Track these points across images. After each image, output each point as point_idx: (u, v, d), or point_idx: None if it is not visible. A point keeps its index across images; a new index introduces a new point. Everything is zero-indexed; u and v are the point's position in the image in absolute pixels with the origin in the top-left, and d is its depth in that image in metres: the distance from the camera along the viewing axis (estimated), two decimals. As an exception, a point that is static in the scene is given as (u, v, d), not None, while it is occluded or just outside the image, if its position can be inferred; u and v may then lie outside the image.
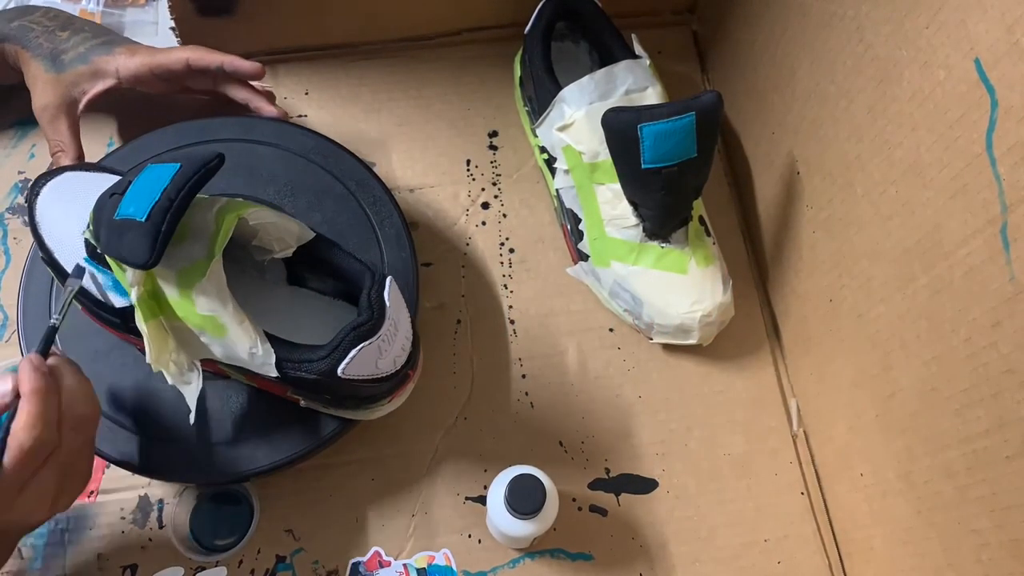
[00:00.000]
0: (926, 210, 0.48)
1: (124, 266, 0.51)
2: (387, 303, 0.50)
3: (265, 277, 0.58)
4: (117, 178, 0.57)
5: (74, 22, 0.68)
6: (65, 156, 0.64)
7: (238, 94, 0.68)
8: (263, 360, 0.51)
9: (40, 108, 0.65)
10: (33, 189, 0.56)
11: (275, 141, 0.67)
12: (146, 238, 0.47)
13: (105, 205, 0.51)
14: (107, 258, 0.51)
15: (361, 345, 0.49)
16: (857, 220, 0.55)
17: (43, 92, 0.65)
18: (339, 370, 0.50)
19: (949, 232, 0.46)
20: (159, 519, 0.62)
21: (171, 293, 0.50)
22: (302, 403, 0.58)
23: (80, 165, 0.60)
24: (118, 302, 0.54)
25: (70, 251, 0.55)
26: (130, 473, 0.62)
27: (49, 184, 0.57)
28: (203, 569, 0.60)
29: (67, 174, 0.58)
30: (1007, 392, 0.43)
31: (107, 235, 0.50)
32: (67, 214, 0.56)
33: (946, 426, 0.49)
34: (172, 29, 0.71)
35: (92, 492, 0.62)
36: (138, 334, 0.53)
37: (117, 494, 0.62)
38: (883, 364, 0.55)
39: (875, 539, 0.59)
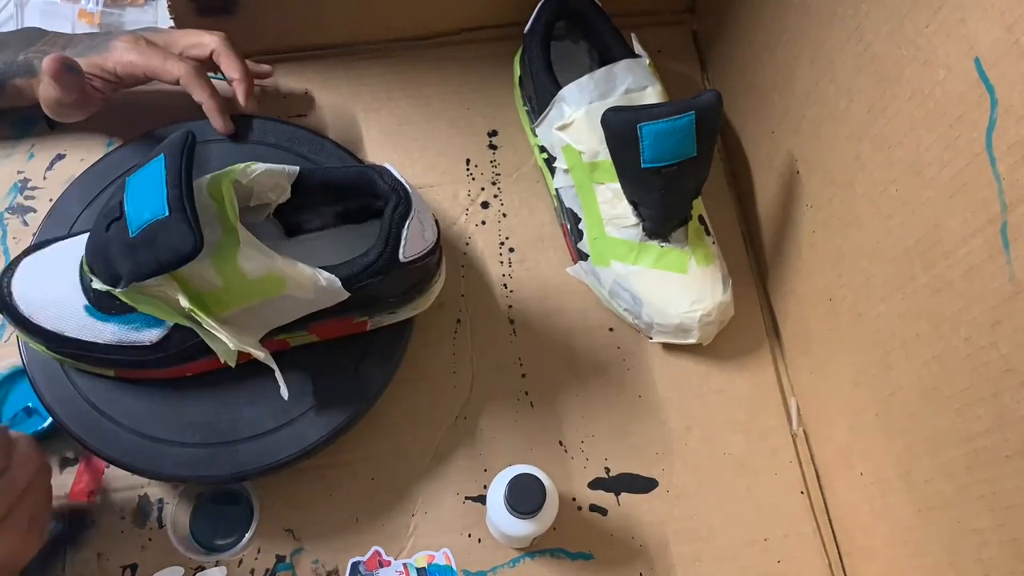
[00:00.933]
0: (926, 209, 0.48)
1: (155, 291, 0.50)
2: (401, 180, 0.53)
3: (265, 242, 0.58)
4: (82, 236, 0.56)
5: (73, 39, 0.67)
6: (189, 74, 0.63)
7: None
8: (330, 286, 0.52)
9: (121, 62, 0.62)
10: (4, 276, 0.56)
11: (273, 140, 0.66)
12: (181, 225, 0.47)
13: (108, 241, 0.50)
14: (131, 292, 0.51)
15: (407, 222, 0.52)
16: (857, 219, 0.55)
17: (114, 49, 0.63)
18: (400, 255, 0.52)
19: (949, 231, 0.46)
20: (159, 519, 0.62)
21: (214, 284, 0.50)
22: (368, 326, 0.59)
23: (35, 246, 0.59)
24: (153, 336, 0.54)
25: (60, 321, 0.55)
26: (130, 473, 0.62)
27: (17, 270, 0.56)
28: (203, 569, 0.60)
29: (31, 256, 0.57)
30: (1007, 391, 0.43)
31: (131, 259, 0.49)
32: (46, 288, 0.55)
33: (946, 425, 0.49)
34: (171, 29, 0.71)
35: (92, 492, 0.62)
36: (179, 360, 0.55)
37: (117, 494, 0.62)
38: (883, 363, 0.55)
39: (875, 538, 0.59)
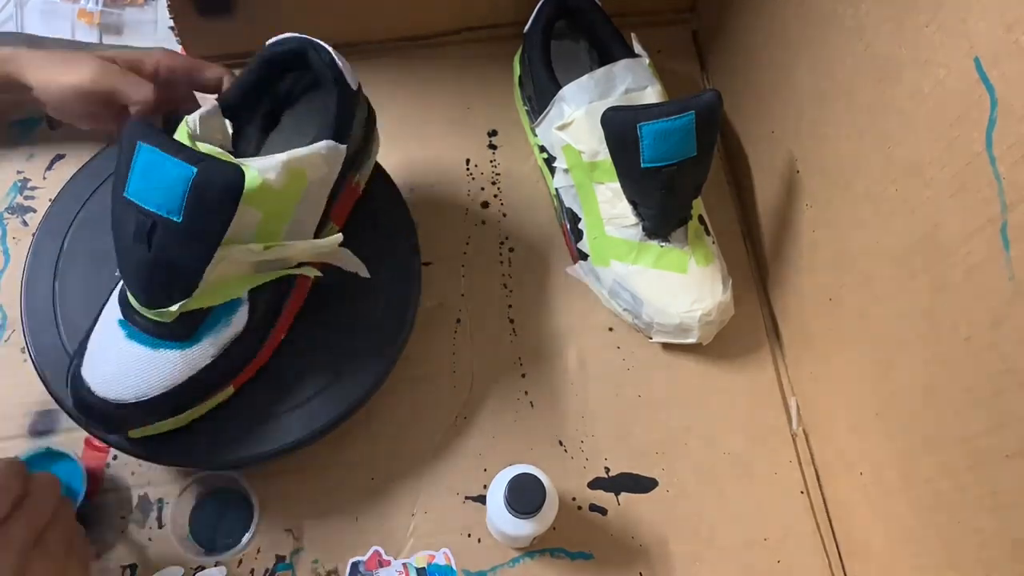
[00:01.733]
0: (926, 209, 0.48)
1: (220, 268, 0.51)
2: (296, 35, 0.57)
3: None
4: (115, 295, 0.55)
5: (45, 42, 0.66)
6: (148, 103, 0.61)
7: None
8: (331, 149, 0.55)
9: (80, 81, 0.60)
10: (75, 383, 0.53)
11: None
12: (214, 166, 0.48)
13: (160, 254, 0.49)
14: (203, 292, 0.51)
15: (336, 58, 0.57)
16: (857, 219, 0.55)
17: (72, 65, 0.61)
18: (350, 84, 0.57)
19: (949, 231, 0.46)
20: (159, 519, 0.62)
21: (255, 219, 0.51)
22: (360, 185, 0.62)
23: (82, 344, 0.55)
24: (242, 317, 0.54)
25: (165, 378, 0.54)
26: (130, 473, 0.62)
27: (83, 369, 0.53)
28: (203, 569, 0.60)
29: (85, 354, 0.54)
30: (1007, 391, 0.43)
31: (193, 241, 0.49)
32: (123, 363, 0.53)
33: (946, 425, 0.49)
34: (171, 28, 0.71)
35: (92, 492, 0.62)
36: (270, 321, 0.57)
37: (117, 494, 0.62)
38: (883, 363, 0.54)
39: (875, 538, 0.59)
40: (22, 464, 0.47)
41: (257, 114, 0.59)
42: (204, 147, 0.51)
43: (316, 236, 0.58)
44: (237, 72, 0.67)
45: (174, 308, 0.51)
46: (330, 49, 0.57)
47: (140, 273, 0.50)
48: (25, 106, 0.66)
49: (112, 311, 0.55)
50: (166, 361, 0.53)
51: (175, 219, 0.48)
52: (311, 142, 0.55)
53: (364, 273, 0.58)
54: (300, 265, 0.57)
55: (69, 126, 0.67)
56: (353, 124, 0.58)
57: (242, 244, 0.51)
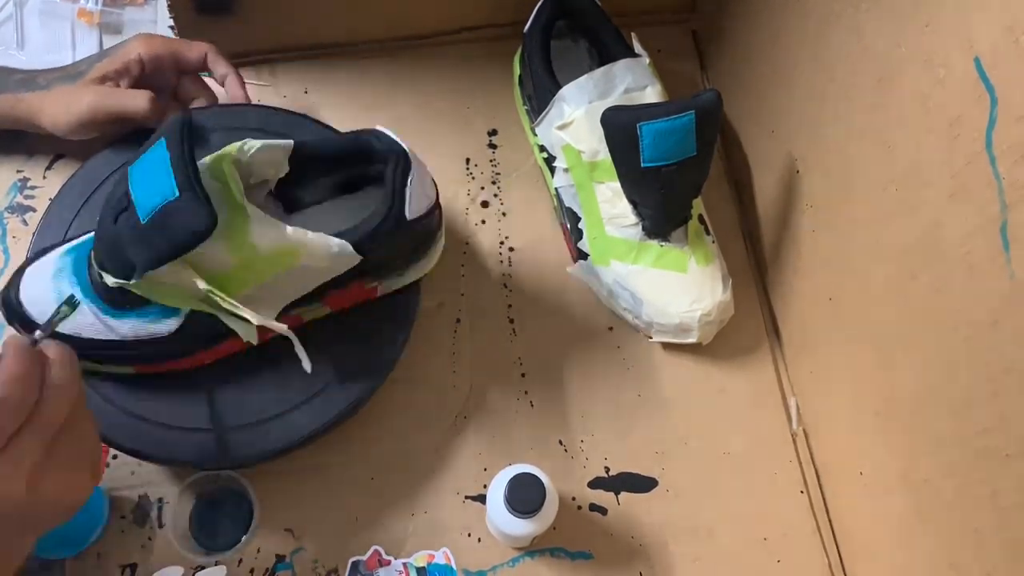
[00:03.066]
0: (926, 209, 0.48)
1: (170, 278, 0.50)
2: (398, 140, 0.54)
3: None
4: (84, 238, 0.56)
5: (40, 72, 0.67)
6: (149, 109, 0.63)
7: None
8: (342, 251, 0.53)
9: (81, 113, 0.63)
10: (10, 289, 0.55)
11: (255, 125, 0.66)
12: (193, 203, 0.47)
13: (118, 233, 0.50)
14: (145, 283, 0.51)
15: (409, 180, 0.53)
16: (857, 219, 0.55)
17: (73, 99, 0.63)
18: (406, 213, 0.54)
19: (949, 231, 0.46)
20: (159, 518, 0.62)
21: (228, 264, 0.50)
22: (379, 291, 0.60)
23: (35, 255, 0.58)
24: (171, 326, 0.54)
25: (75, 325, 0.54)
26: (130, 473, 0.62)
27: (23, 281, 0.55)
28: (203, 568, 0.60)
29: (33, 266, 0.56)
30: (1007, 391, 0.43)
31: (144, 247, 0.49)
32: (55, 295, 0.54)
33: (946, 425, 0.49)
34: (171, 28, 0.71)
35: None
36: (198, 346, 0.55)
37: (117, 493, 0.62)
38: (883, 363, 0.54)
39: (875, 538, 0.59)
40: (35, 356, 0.43)
41: (336, 174, 0.58)
42: (232, 173, 0.50)
43: (298, 307, 0.57)
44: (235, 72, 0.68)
45: (111, 280, 0.52)
46: (413, 169, 0.55)
47: (101, 236, 0.52)
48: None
49: (76, 244, 0.56)
50: (85, 312, 0.54)
51: (140, 218, 0.48)
52: (341, 232, 0.54)
53: (307, 367, 0.54)
54: (246, 320, 0.53)
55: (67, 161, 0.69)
56: (387, 245, 0.56)
57: (199, 272, 0.50)
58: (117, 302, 0.54)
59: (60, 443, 0.44)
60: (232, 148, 0.52)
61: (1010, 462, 0.43)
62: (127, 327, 0.54)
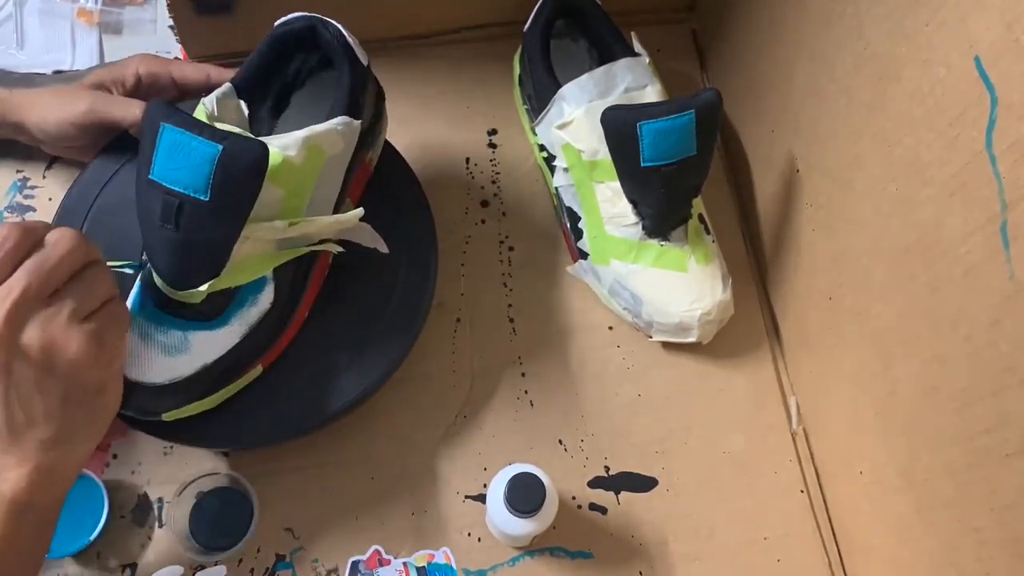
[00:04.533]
0: (926, 208, 0.48)
1: (246, 247, 0.51)
2: (303, 13, 0.57)
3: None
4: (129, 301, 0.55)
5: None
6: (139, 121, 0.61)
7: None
8: (346, 125, 0.55)
9: (76, 114, 0.61)
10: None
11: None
12: (238, 143, 0.48)
13: (187, 235, 0.49)
14: (231, 271, 0.51)
15: (347, 36, 0.57)
16: (856, 218, 0.55)
17: (67, 100, 0.61)
18: (361, 60, 0.57)
19: (949, 230, 0.46)
20: (159, 518, 0.62)
21: (278, 197, 0.52)
22: (372, 163, 0.63)
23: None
24: (268, 295, 0.55)
25: (195, 358, 0.54)
26: (130, 472, 0.62)
27: None
28: (203, 568, 0.60)
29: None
30: (1007, 390, 0.43)
31: (219, 216, 0.49)
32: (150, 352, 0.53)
33: (946, 424, 0.49)
34: (171, 27, 0.71)
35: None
36: (295, 299, 0.58)
37: (117, 493, 0.62)
38: (883, 362, 0.54)
39: (875, 537, 0.59)
40: (33, 224, 0.44)
41: (269, 95, 0.60)
42: (224, 127, 0.51)
43: (335, 212, 0.58)
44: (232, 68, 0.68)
45: (203, 288, 0.52)
46: (339, 26, 0.57)
47: (168, 255, 0.51)
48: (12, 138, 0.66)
49: (134, 300, 0.55)
50: (196, 341, 0.53)
51: (202, 198, 0.48)
52: (325, 120, 0.55)
53: (383, 248, 0.59)
54: (322, 242, 0.57)
55: (67, 161, 0.67)
56: (364, 101, 0.58)
57: (266, 222, 0.52)
58: (213, 313, 0.54)
59: (57, 294, 0.45)
60: (200, 111, 0.53)
61: (1010, 461, 0.43)
62: (237, 325, 0.54)
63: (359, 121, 0.56)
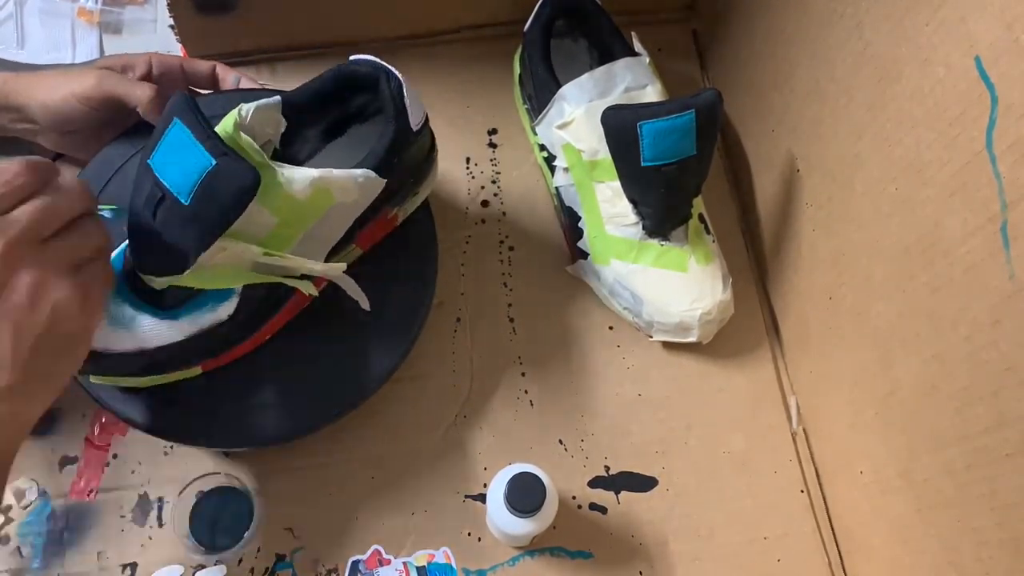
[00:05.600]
0: (926, 208, 0.48)
1: (221, 257, 0.50)
2: (377, 60, 0.56)
3: None
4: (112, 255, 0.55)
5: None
6: (152, 100, 0.60)
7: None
8: (366, 179, 0.54)
9: (85, 88, 0.59)
10: None
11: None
12: (233, 163, 0.47)
13: (162, 227, 0.49)
14: (198, 272, 0.51)
15: (405, 92, 0.56)
16: (857, 218, 0.55)
17: (75, 76, 0.60)
18: (411, 125, 0.56)
19: (949, 230, 0.46)
20: (159, 517, 0.62)
21: (270, 223, 0.51)
22: (399, 218, 0.62)
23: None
24: (229, 308, 0.55)
25: (135, 339, 0.54)
26: (130, 472, 0.62)
27: None
28: (203, 568, 0.60)
29: None
30: (1007, 390, 0.43)
31: (194, 226, 0.49)
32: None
33: (946, 424, 0.49)
34: (171, 27, 0.71)
35: (92, 491, 0.62)
36: (258, 321, 0.56)
37: (117, 492, 0.62)
38: (883, 362, 0.54)
39: (875, 537, 0.59)
40: (50, 163, 0.44)
41: (322, 120, 0.59)
42: (244, 139, 0.50)
43: (334, 255, 0.58)
44: (233, 67, 0.68)
45: (161, 280, 0.52)
46: (403, 81, 0.56)
47: (140, 237, 0.52)
48: (10, 132, 0.64)
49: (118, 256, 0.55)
50: (141, 325, 0.53)
51: (182, 200, 0.48)
52: (358, 164, 0.55)
53: (365, 305, 0.58)
54: (303, 277, 0.56)
55: (66, 157, 0.66)
56: (402, 161, 0.57)
57: (246, 242, 0.51)
58: (170, 304, 0.54)
59: (53, 239, 0.45)
60: (232, 115, 0.52)
61: (1010, 461, 0.43)
62: (187, 324, 0.54)
63: (384, 180, 0.56)
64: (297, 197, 0.51)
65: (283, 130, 0.56)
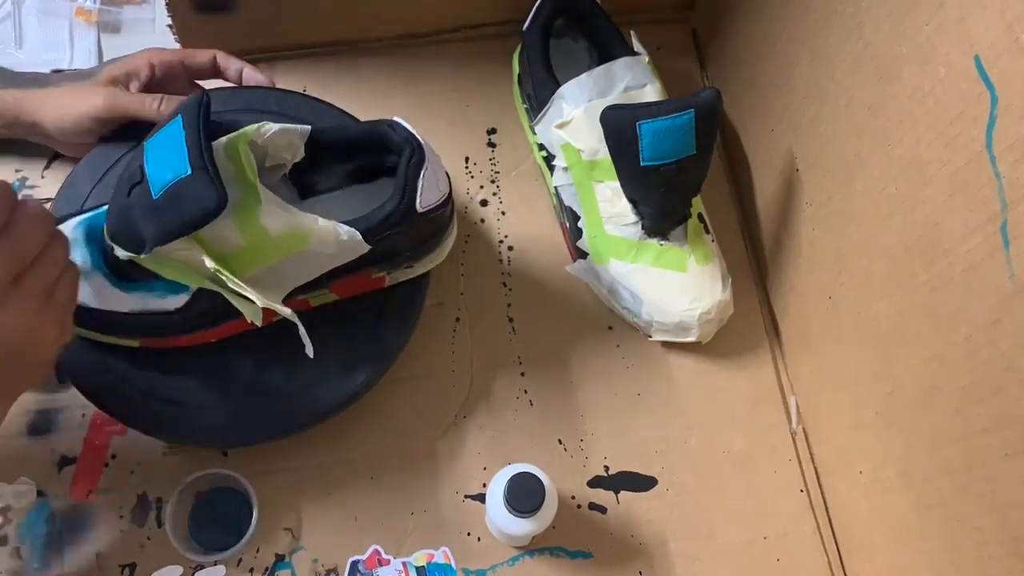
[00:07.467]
0: (926, 207, 0.48)
1: (179, 254, 0.50)
2: (413, 132, 0.55)
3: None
4: (97, 210, 0.56)
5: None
6: (158, 116, 0.61)
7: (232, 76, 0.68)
8: (351, 239, 0.53)
9: (96, 109, 0.61)
10: None
11: (275, 109, 0.66)
12: (204, 182, 0.47)
13: (130, 206, 0.50)
14: (155, 258, 0.51)
15: (422, 173, 0.53)
16: (857, 217, 0.55)
17: (85, 96, 0.62)
18: (417, 205, 0.54)
19: (949, 229, 0.46)
20: (158, 518, 0.61)
21: (237, 244, 0.51)
22: (387, 282, 0.60)
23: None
24: (176, 302, 0.55)
25: (82, 294, 0.54)
26: (130, 473, 0.62)
27: None
28: (202, 568, 0.60)
29: None
30: (1007, 389, 0.43)
31: (155, 221, 0.49)
32: None
33: (946, 423, 0.49)
34: (169, 27, 0.71)
35: (90, 491, 0.62)
36: (203, 324, 0.55)
37: (116, 493, 0.62)
38: (883, 361, 0.54)
39: (875, 536, 0.59)
40: (9, 190, 0.44)
41: (350, 160, 0.59)
42: (245, 153, 0.50)
43: (305, 292, 0.57)
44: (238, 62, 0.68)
45: (120, 254, 0.52)
46: (427, 162, 0.54)
47: (114, 209, 0.52)
48: (28, 139, 0.66)
49: (91, 215, 0.56)
50: (93, 282, 0.54)
51: (152, 193, 0.49)
52: (351, 220, 0.54)
53: (309, 352, 0.54)
54: (251, 301, 0.54)
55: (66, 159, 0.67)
56: (397, 235, 0.56)
57: (210, 250, 0.51)
58: (126, 275, 0.54)
59: (29, 274, 0.45)
60: (250, 129, 0.52)
61: (1010, 461, 0.43)
62: (134, 300, 0.55)
63: (368, 247, 0.54)
64: (270, 231, 0.51)
65: (299, 159, 0.56)
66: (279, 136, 0.54)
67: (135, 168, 0.50)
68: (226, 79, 0.67)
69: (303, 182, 0.59)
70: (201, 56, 0.66)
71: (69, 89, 0.63)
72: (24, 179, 0.71)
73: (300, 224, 0.52)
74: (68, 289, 0.49)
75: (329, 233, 0.53)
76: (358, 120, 0.66)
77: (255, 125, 0.52)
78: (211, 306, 0.55)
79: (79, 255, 0.55)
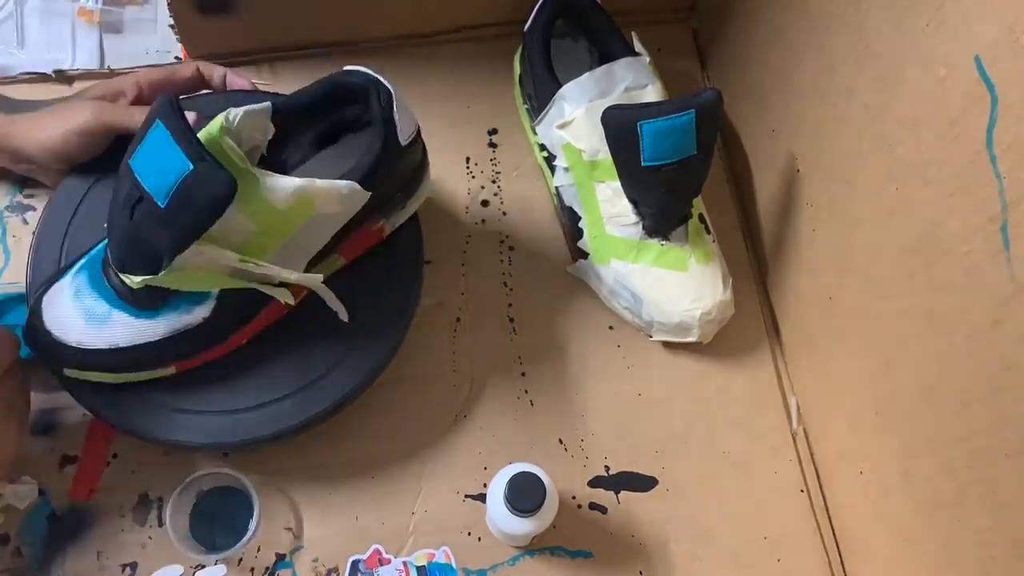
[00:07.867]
0: (926, 208, 0.48)
1: (198, 260, 0.50)
2: (370, 72, 0.55)
3: None
4: (93, 251, 0.56)
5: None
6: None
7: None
8: (351, 191, 0.54)
9: (86, 122, 0.60)
10: (34, 319, 0.56)
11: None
12: (210, 170, 0.47)
13: (138, 226, 0.50)
14: (174, 273, 0.51)
15: (394, 106, 0.54)
16: (857, 218, 0.55)
17: (72, 112, 0.61)
18: (400, 139, 0.55)
19: (949, 230, 0.46)
20: (159, 517, 0.62)
21: (249, 230, 0.51)
22: (386, 230, 0.61)
23: (47, 281, 0.58)
24: (204, 312, 0.55)
25: (112, 336, 0.55)
26: (130, 472, 0.62)
27: (43, 308, 0.56)
28: (203, 568, 0.60)
29: (49, 291, 0.56)
30: (1007, 390, 0.43)
31: (169, 229, 0.49)
32: (79, 311, 0.55)
33: (946, 424, 0.48)
34: (171, 27, 0.71)
35: (92, 490, 0.62)
36: (235, 325, 0.56)
37: (117, 492, 0.62)
38: (883, 362, 0.54)
39: (875, 537, 0.59)
40: None
41: (312, 128, 0.59)
42: (228, 143, 0.50)
43: (316, 263, 0.58)
44: (233, 67, 0.68)
45: (137, 279, 0.52)
46: (394, 95, 0.55)
47: (118, 236, 0.52)
48: (12, 171, 0.67)
49: (86, 260, 0.56)
50: (117, 322, 0.54)
51: (159, 203, 0.48)
52: (344, 175, 0.54)
53: (343, 316, 0.57)
54: (280, 285, 0.56)
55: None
56: (388, 175, 0.57)
57: (224, 247, 0.51)
58: (146, 303, 0.54)
59: None
60: (219, 120, 0.52)
61: (1010, 461, 0.43)
62: (163, 324, 0.55)
63: (368, 193, 0.55)
64: (277, 206, 0.51)
65: (271, 136, 0.56)
66: (247, 119, 0.53)
67: (127, 190, 0.50)
68: (212, 87, 0.67)
69: (273, 164, 0.59)
70: (185, 70, 0.66)
71: (53, 111, 0.63)
72: (25, 179, 0.70)
73: (303, 190, 0.52)
74: (12, 383, 0.52)
75: (331, 191, 0.53)
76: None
77: (221, 115, 0.52)
78: (238, 305, 0.56)
79: (91, 300, 0.55)
